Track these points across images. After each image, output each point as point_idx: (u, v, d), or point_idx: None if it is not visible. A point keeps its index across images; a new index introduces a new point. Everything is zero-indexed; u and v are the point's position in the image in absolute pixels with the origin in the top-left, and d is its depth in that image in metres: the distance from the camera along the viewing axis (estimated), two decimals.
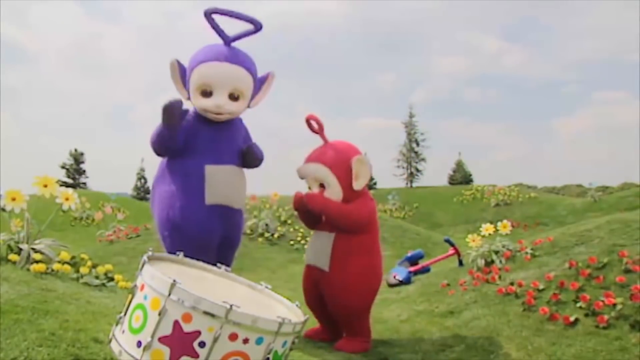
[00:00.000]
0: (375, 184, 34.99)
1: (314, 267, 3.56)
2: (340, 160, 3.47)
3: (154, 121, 3.12)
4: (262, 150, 3.43)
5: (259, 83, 3.39)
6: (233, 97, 3.20)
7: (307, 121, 3.61)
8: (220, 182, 3.18)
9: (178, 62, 3.24)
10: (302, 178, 3.62)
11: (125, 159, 64.93)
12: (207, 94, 3.16)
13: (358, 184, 3.44)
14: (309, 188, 3.61)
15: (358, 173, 3.44)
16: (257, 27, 3.24)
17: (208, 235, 3.16)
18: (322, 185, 3.48)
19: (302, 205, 3.56)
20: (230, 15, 3.20)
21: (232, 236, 3.37)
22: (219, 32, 3.24)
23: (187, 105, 3.28)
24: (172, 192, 3.15)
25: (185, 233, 3.01)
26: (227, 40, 3.25)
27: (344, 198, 3.44)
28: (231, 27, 3.27)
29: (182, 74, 3.26)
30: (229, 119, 3.30)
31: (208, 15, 3.17)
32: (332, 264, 3.43)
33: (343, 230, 3.45)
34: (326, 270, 3.45)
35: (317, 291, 3.58)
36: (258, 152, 3.39)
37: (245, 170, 3.47)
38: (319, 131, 3.60)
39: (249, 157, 3.36)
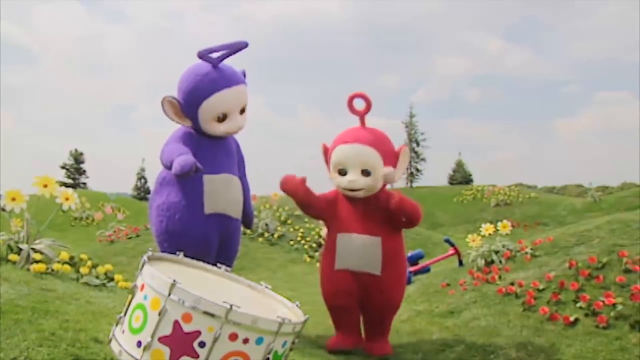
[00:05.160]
0: None
1: (359, 272, 3.26)
2: (388, 147, 3.29)
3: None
4: (253, 213, 3.63)
5: None
6: (241, 112, 3.34)
7: (352, 99, 3.34)
8: (219, 192, 3.20)
9: (175, 98, 3.21)
10: (336, 163, 3.31)
11: (126, 159, 65.00)
12: (221, 119, 3.23)
13: (396, 176, 3.30)
14: (342, 173, 3.28)
15: (400, 166, 3.29)
16: (242, 47, 3.30)
17: (206, 245, 3.17)
18: (364, 172, 3.20)
19: (294, 187, 3.27)
20: (222, 50, 3.23)
21: (230, 245, 3.39)
22: (208, 59, 3.25)
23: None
24: (171, 204, 3.17)
25: (183, 243, 2.99)
26: (215, 63, 3.25)
27: (381, 187, 3.28)
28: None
29: (180, 107, 3.22)
30: None
31: (204, 56, 3.19)
32: (384, 267, 3.24)
33: (397, 229, 3.34)
34: (377, 274, 3.23)
35: (356, 298, 3.34)
36: (251, 217, 3.58)
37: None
38: (364, 113, 3.34)
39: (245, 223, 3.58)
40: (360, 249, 3.25)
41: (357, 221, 3.28)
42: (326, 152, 3.49)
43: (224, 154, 3.33)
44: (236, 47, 3.27)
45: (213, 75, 3.21)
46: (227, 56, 3.29)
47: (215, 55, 3.24)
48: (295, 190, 3.29)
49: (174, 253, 2.30)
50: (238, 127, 3.32)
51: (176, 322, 1.71)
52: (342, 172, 3.29)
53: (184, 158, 2.89)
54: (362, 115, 3.36)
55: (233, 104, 3.24)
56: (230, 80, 3.26)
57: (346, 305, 3.38)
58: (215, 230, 3.21)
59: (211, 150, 3.25)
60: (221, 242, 3.29)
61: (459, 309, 4.31)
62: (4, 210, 3.97)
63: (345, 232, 3.29)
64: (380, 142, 3.28)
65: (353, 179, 3.21)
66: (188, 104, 3.19)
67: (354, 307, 3.40)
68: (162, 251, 3.15)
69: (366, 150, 3.21)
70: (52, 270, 3.63)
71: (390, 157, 3.29)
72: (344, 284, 3.30)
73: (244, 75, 3.45)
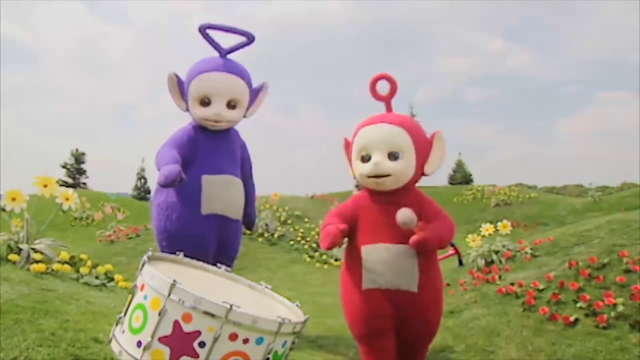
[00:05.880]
0: None
1: (392, 290, 2.68)
2: (420, 131, 2.78)
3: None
4: (255, 215, 3.64)
5: (254, 93, 3.46)
6: (230, 106, 3.26)
7: (375, 81, 2.86)
8: (217, 192, 3.20)
9: (176, 75, 3.30)
10: (359, 148, 2.80)
11: (126, 159, 65.06)
12: (205, 103, 3.22)
13: (431, 167, 2.79)
14: (364, 159, 2.76)
15: (435, 154, 2.79)
16: (250, 39, 3.34)
17: (204, 246, 3.17)
18: (391, 156, 2.70)
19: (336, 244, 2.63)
20: (224, 30, 3.31)
21: (229, 246, 3.38)
22: (214, 45, 3.32)
23: (186, 115, 3.37)
24: (169, 203, 3.19)
25: (181, 243, 3.00)
26: (223, 53, 3.33)
27: (412, 180, 2.77)
28: (225, 39, 3.38)
29: (180, 86, 3.31)
30: (227, 127, 3.35)
31: (203, 30, 3.27)
32: (421, 282, 2.68)
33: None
34: (414, 292, 2.67)
35: (391, 320, 2.74)
36: (253, 219, 3.61)
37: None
38: (389, 97, 2.87)
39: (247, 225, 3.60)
40: (394, 262, 2.67)
41: (385, 228, 2.70)
42: (347, 146, 2.94)
43: (225, 155, 3.32)
44: (238, 31, 3.29)
45: (212, 60, 3.29)
46: (236, 49, 3.34)
47: (221, 41, 3.34)
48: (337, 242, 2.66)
49: (173, 252, 2.30)
50: (217, 116, 3.19)
51: (176, 322, 1.71)
52: (366, 158, 2.77)
53: (168, 168, 2.91)
54: (387, 100, 2.89)
55: (218, 88, 3.21)
56: (224, 66, 3.26)
57: (381, 330, 2.75)
58: (213, 231, 3.21)
59: (211, 150, 3.25)
60: (220, 243, 3.28)
61: (459, 309, 4.31)
62: (4, 210, 3.98)
63: (373, 244, 2.71)
64: (410, 125, 2.78)
65: (378, 160, 2.69)
66: (184, 82, 3.29)
67: (390, 332, 2.77)
68: (162, 250, 3.16)
69: (394, 129, 2.71)
70: (52, 270, 3.64)
71: (423, 142, 2.78)
72: (376, 306, 2.70)
73: (262, 87, 3.46)
